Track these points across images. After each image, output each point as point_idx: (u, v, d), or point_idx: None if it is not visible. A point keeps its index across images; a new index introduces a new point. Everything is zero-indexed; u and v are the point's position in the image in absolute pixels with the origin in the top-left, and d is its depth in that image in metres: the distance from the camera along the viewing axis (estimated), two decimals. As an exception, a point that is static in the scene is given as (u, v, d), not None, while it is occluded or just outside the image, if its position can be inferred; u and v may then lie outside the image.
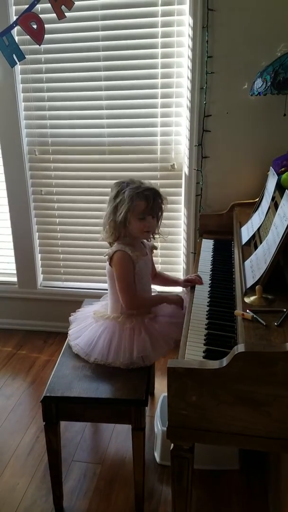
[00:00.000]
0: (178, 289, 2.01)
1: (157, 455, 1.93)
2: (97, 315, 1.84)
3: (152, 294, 1.94)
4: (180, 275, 2.62)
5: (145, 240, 1.87)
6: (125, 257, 1.72)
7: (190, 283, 1.77)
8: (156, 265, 2.02)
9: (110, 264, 1.76)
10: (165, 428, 1.21)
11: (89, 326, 1.80)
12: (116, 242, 1.77)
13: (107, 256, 1.77)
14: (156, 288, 2.07)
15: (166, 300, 1.81)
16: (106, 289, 2.67)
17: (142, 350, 1.65)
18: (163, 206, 1.76)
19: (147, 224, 1.73)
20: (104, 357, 1.67)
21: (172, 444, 1.24)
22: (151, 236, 1.83)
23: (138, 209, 1.69)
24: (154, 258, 1.96)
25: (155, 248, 1.93)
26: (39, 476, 1.88)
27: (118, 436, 2.06)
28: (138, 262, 1.75)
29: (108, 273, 1.81)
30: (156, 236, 1.86)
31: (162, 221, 1.83)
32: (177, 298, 1.82)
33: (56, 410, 1.57)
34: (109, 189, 2.52)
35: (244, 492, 1.78)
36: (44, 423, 1.60)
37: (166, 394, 1.16)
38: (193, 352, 1.32)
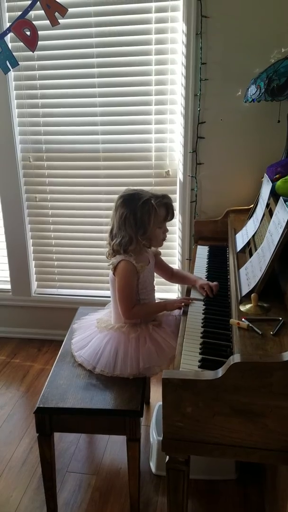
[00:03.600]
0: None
1: (152, 466, 1.90)
2: (100, 325, 1.82)
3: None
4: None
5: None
6: (129, 268, 1.70)
7: (204, 291, 1.72)
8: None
9: (114, 273, 1.74)
10: (160, 438, 1.19)
11: (93, 336, 1.78)
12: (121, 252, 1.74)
13: (111, 265, 1.74)
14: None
15: (166, 308, 1.77)
16: (101, 296, 2.71)
17: (148, 360, 1.63)
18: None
19: (165, 230, 1.79)
20: (111, 368, 1.65)
21: (168, 457, 1.22)
22: None
23: (161, 218, 1.72)
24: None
25: (159, 253, 1.92)
26: (33, 487, 1.85)
27: (113, 446, 2.03)
28: (143, 272, 1.74)
29: (111, 282, 1.78)
30: None
31: None
32: (177, 305, 1.76)
33: (49, 422, 1.55)
34: (104, 196, 2.57)
35: (241, 502, 1.75)
36: (38, 434, 1.57)
37: (161, 403, 1.14)
38: (188, 361, 1.31)
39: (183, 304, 1.69)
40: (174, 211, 1.80)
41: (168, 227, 2.49)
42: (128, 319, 1.75)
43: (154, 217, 1.69)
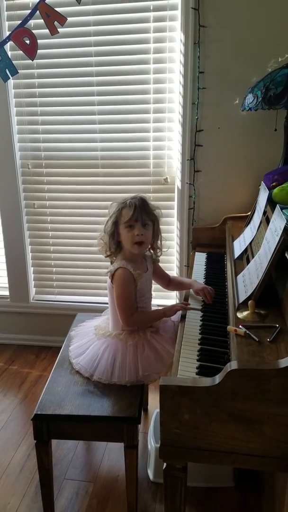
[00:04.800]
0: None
1: (150, 473, 1.90)
2: (98, 332, 1.82)
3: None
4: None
5: (147, 254, 1.84)
6: (126, 275, 1.70)
7: (200, 295, 1.74)
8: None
9: (111, 281, 1.74)
10: (158, 445, 1.20)
11: (90, 344, 1.78)
12: (119, 259, 1.75)
13: (109, 273, 1.75)
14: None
15: (166, 315, 1.77)
16: (99, 303, 2.71)
17: (147, 367, 1.63)
18: (155, 214, 1.75)
19: (136, 232, 1.68)
20: (108, 376, 1.64)
21: (165, 463, 1.22)
22: (148, 249, 1.82)
23: (124, 218, 1.68)
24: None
25: (157, 261, 1.90)
26: (30, 495, 1.84)
27: (111, 453, 2.03)
28: (140, 280, 1.74)
29: (109, 290, 1.79)
30: (158, 252, 1.85)
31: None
32: (176, 309, 1.75)
33: (47, 429, 1.55)
34: (102, 203, 2.59)
35: (239, 509, 1.75)
36: (35, 441, 1.57)
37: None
38: (186, 368, 1.31)
39: (181, 309, 1.69)
40: (149, 212, 1.71)
41: (166, 234, 2.51)
42: (128, 326, 1.75)
43: (117, 217, 1.71)
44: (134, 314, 1.73)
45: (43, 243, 2.78)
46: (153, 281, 1.91)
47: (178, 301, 2.62)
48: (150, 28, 2.28)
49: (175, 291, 2.59)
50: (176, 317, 1.78)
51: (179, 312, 1.70)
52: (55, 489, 1.76)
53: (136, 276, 1.72)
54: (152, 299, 1.89)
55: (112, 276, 1.73)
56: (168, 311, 1.75)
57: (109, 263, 1.85)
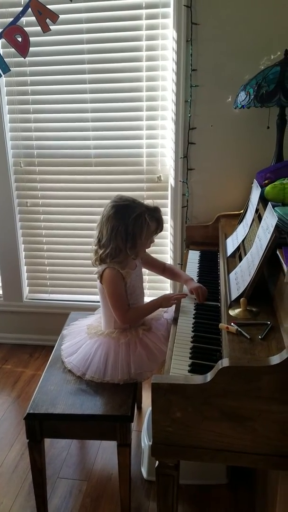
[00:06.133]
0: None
1: (144, 471, 1.90)
2: (90, 331, 1.82)
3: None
4: (167, 286, 2.62)
5: None
6: (114, 274, 1.70)
7: (194, 294, 1.73)
8: (144, 276, 2.00)
9: (100, 281, 1.74)
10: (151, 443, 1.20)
11: (83, 342, 1.78)
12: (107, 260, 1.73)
13: (97, 274, 1.74)
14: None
15: (162, 306, 1.76)
16: (93, 301, 2.70)
17: (139, 365, 1.63)
18: None
19: (152, 241, 1.79)
20: (101, 374, 1.64)
21: (157, 462, 1.22)
22: None
23: (151, 231, 1.73)
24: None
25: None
26: (23, 494, 1.84)
27: (104, 452, 2.02)
28: (130, 277, 1.73)
29: (99, 290, 1.79)
30: None
31: None
32: (173, 302, 1.75)
33: (40, 428, 1.54)
34: (96, 201, 2.58)
35: (232, 507, 1.75)
36: (28, 440, 1.57)
37: (151, 408, 1.15)
38: (178, 366, 1.31)
39: (177, 299, 1.70)
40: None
41: (160, 232, 2.53)
42: (125, 323, 1.75)
43: (145, 230, 1.68)
44: (129, 310, 1.73)
45: (36, 241, 2.77)
46: (148, 278, 1.91)
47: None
48: (142, 26, 2.28)
49: (170, 290, 2.59)
50: (169, 315, 1.78)
51: (173, 312, 1.70)
52: (49, 488, 1.76)
53: (125, 275, 1.71)
54: (148, 296, 1.89)
55: (101, 277, 1.73)
56: (164, 301, 1.75)
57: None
